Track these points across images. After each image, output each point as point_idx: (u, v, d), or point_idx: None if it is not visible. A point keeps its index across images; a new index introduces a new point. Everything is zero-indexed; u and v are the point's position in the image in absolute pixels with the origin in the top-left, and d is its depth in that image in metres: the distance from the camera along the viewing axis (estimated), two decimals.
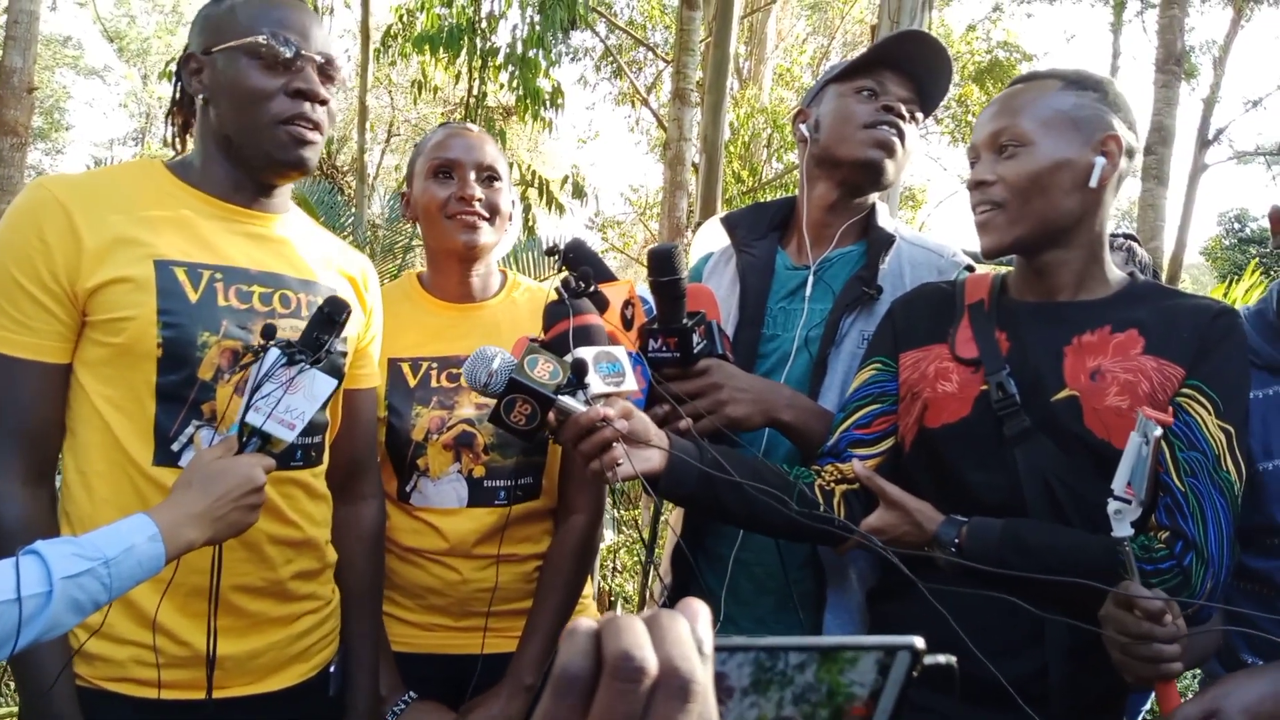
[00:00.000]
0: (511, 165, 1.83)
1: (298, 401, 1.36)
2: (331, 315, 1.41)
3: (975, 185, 1.53)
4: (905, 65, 1.84)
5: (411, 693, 1.80)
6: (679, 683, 0.43)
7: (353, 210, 8.21)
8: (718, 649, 0.47)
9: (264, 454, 1.36)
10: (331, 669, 1.70)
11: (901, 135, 1.83)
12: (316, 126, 1.53)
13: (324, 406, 1.61)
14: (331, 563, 1.69)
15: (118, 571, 1.14)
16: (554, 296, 1.54)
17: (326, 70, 1.54)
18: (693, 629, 0.45)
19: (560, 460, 1.93)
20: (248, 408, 1.34)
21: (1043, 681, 1.44)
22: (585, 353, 1.42)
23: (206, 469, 1.29)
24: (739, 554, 1.81)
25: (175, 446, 1.44)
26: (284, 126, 1.49)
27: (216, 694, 1.47)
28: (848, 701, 0.51)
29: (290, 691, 1.58)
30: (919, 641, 0.52)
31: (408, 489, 1.86)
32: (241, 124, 1.50)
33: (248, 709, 1.53)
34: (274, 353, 1.36)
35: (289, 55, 1.48)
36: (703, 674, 0.44)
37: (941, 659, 0.53)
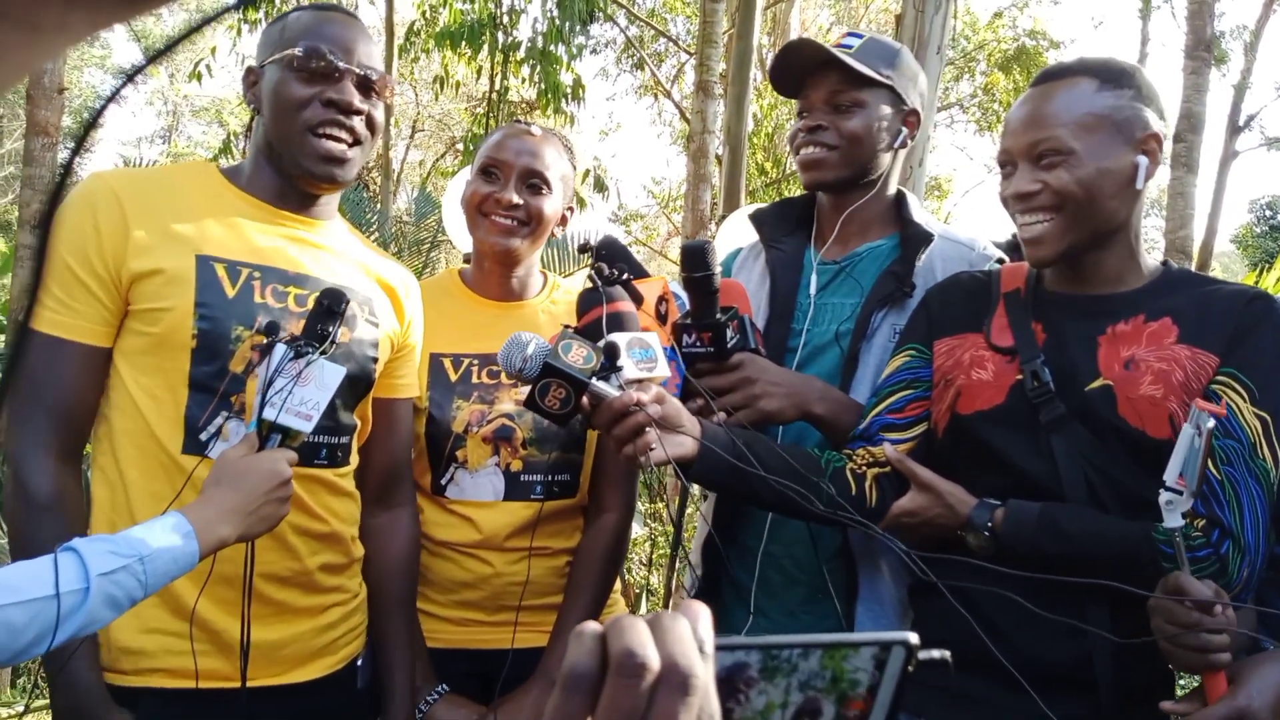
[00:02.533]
0: None
1: (310, 393, 1.39)
2: (330, 306, 1.44)
3: (1019, 197, 1.50)
4: (806, 77, 1.85)
5: (444, 685, 1.81)
6: (680, 678, 0.46)
7: (378, 206, 8.25)
8: (718, 648, 0.50)
9: (286, 448, 1.39)
10: (359, 662, 1.72)
11: (816, 143, 1.83)
12: (352, 136, 1.56)
13: (351, 407, 1.64)
14: (358, 558, 1.71)
15: (153, 568, 1.17)
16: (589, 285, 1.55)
17: (368, 83, 1.57)
18: (694, 629, 0.48)
19: (594, 458, 1.94)
20: (263, 404, 1.36)
21: (1089, 668, 1.43)
22: (618, 338, 1.43)
23: (233, 467, 1.32)
24: (767, 546, 1.82)
25: (203, 436, 1.48)
26: (313, 134, 1.53)
27: (252, 683, 1.50)
28: (851, 688, 0.53)
29: (317, 684, 1.61)
30: (913, 637, 0.53)
31: (443, 481, 1.88)
32: (279, 131, 1.56)
33: (276, 700, 1.55)
34: (280, 348, 1.39)
35: (327, 67, 1.53)
36: (703, 670, 0.47)
37: (936, 654, 0.54)
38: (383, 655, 1.74)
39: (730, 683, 0.52)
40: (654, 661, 0.46)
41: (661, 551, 6.59)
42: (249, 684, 1.49)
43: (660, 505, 7.27)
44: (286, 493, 1.36)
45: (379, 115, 1.59)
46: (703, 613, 0.49)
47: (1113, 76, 1.49)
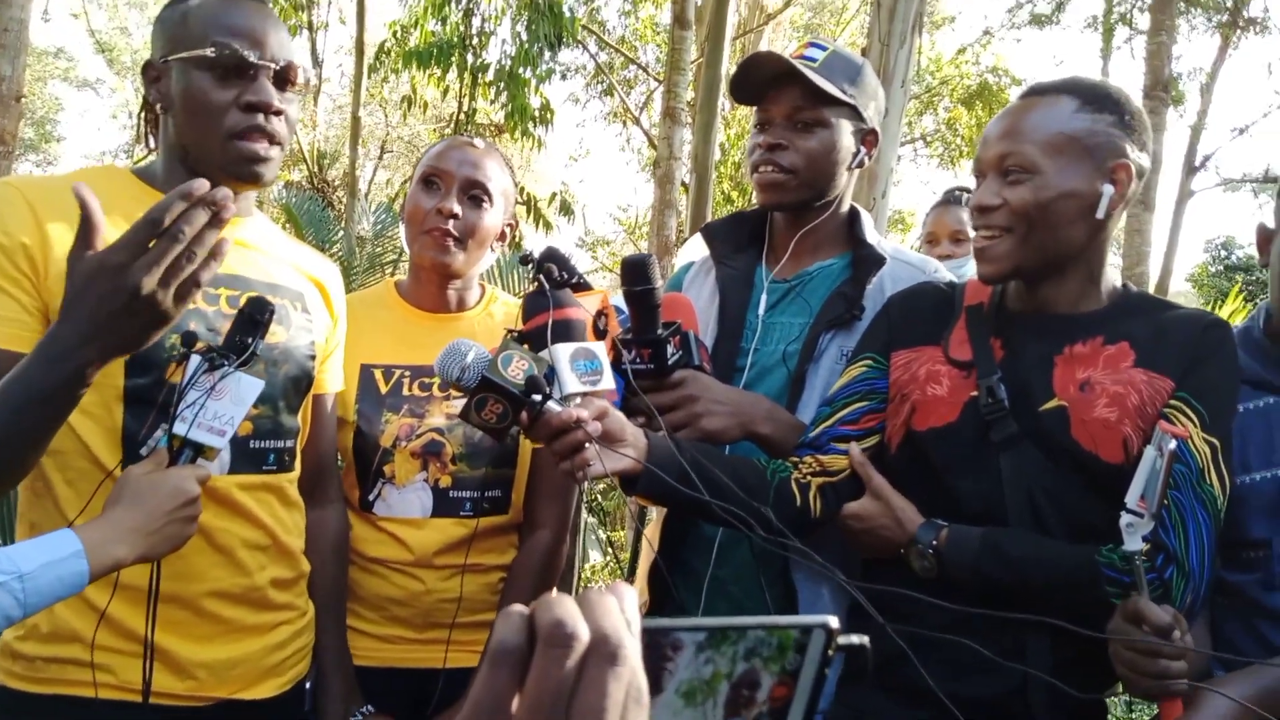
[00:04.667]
0: None
1: (224, 407, 1.34)
2: (253, 315, 1.38)
3: (978, 209, 1.48)
4: (766, 89, 1.82)
5: (369, 706, 1.76)
6: (609, 649, 0.46)
7: (342, 225, 8.19)
8: (644, 630, 0.50)
9: (198, 462, 1.33)
10: (307, 685, 1.68)
11: (774, 163, 1.79)
12: (271, 138, 1.48)
13: (294, 410, 1.60)
14: (305, 572, 1.67)
15: (33, 587, 1.11)
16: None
17: (284, 76, 1.48)
18: (620, 607, 0.48)
19: (528, 474, 1.90)
20: (174, 419, 1.31)
21: (1023, 698, 1.42)
22: (563, 350, 1.39)
23: (136, 484, 1.26)
24: (715, 571, 1.78)
25: (144, 451, 1.41)
26: (236, 141, 1.45)
27: (198, 702, 1.48)
28: (785, 667, 0.53)
29: (264, 704, 1.56)
30: (833, 620, 0.53)
31: (371, 497, 1.83)
32: (195, 137, 1.47)
33: (227, 715, 1.51)
34: (195, 359, 1.33)
35: (240, 66, 1.44)
36: (632, 643, 0.47)
37: (855, 639, 0.55)
38: (317, 660, 1.70)
39: (661, 653, 0.51)
40: (583, 632, 0.46)
41: (619, 576, 6.54)
42: (199, 700, 1.48)
43: (620, 533, 7.21)
44: (192, 512, 1.30)
45: (294, 110, 1.52)
46: (629, 592, 0.49)
47: (1095, 99, 1.46)
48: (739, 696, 0.53)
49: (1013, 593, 1.38)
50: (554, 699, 0.45)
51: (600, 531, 7.29)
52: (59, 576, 1.14)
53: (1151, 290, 10.68)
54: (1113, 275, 1.58)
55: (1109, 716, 1.49)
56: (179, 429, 1.31)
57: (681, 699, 0.52)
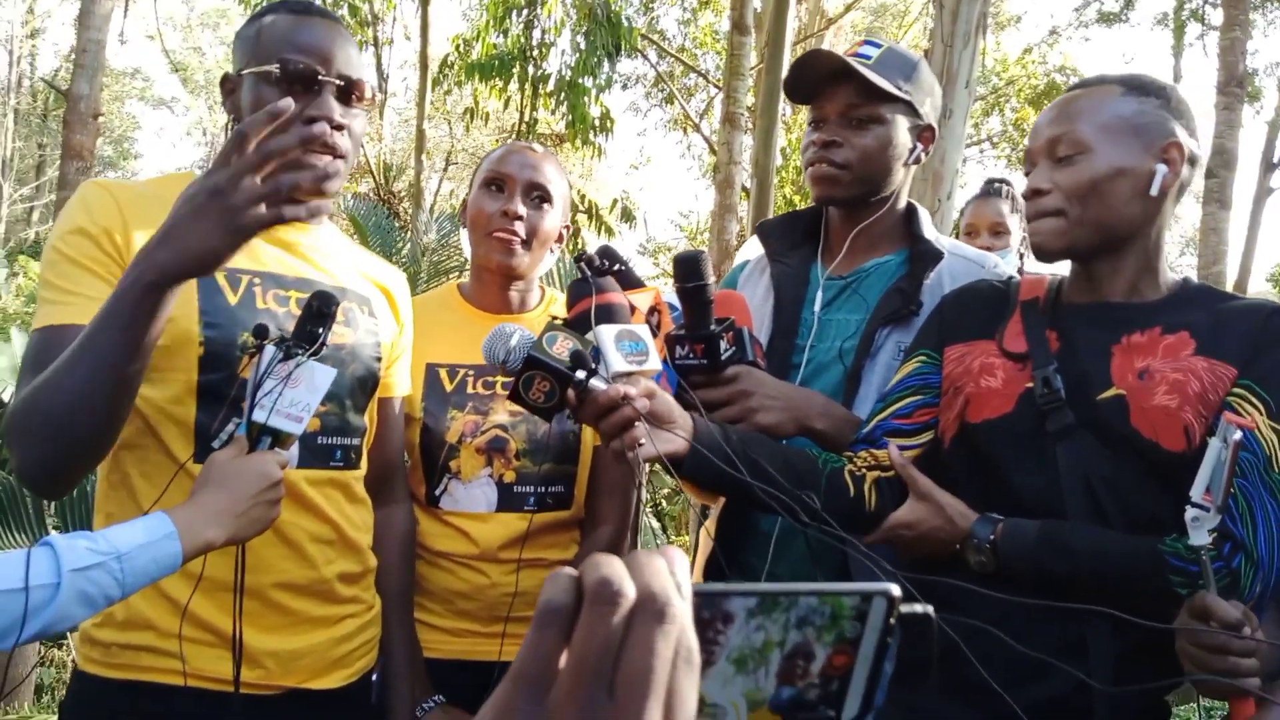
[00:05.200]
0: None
1: (300, 394, 1.38)
2: (320, 308, 1.42)
3: (1031, 194, 1.49)
4: (821, 87, 1.80)
5: (439, 696, 1.80)
6: (656, 606, 0.45)
7: (408, 235, 8.35)
8: (696, 593, 0.49)
9: (277, 450, 1.37)
10: (374, 677, 1.71)
11: (829, 160, 1.78)
12: (334, 151, 1.52)
13: (361, 409, 1.63)
14: (373, 568, 1.71)
15: (131, 567, 1.15)
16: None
17: (349, 92, 1.53)
18: (670, 569, 0.47)
19: (590, 470, 1.93)
20: (252, 406, 1.35)
21: (1085, 696, 1.38)
22: (607, 330, 1.41)
23: (222, 469, 1.31)
24: (772, 567, 1.78)
25: (216, 444, 1.46)
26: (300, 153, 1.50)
27: (267, 690, 1.51)
28: (840, 636, 0.52)
29: (332, 695, 1.60)
30: (894, 588, 0.52)
31: (437, 492, 1.88)
32: None
33: (290, 707, 1.54)
34: (269, 350, 1.37)
35: (305, 81, 1.48)
36: (680, 602, 0.45)
37: (919, 608, 0.53)
38: (383, 655, 1.74)
39: (711, 624, 0.51)
40: (629, 590, 0.45)
41: None
42: (263, 691, 1.50)
43: (684, 538, 7.20)
44: (277, 494, 1.34)
45: (360, 125, 1.56)
46: (679, 556, 0.48)
47: (1140, 85, 1.49)
48: (793, 667, 0.52)
49: (1072, 586, 1.35)
50: (600, 656, 0.44)
51: (663, 537, 7.29)
52: (154, 558, 1.18)
53: (1230, 289, 10.38)
54: (1174, 271, 1.56)
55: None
56: (258, 416, 1.35)
57: (733, 665, 0.51)
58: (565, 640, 0.45)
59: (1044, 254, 1.50)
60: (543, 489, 1.88)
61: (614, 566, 0.45)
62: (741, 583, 0.53)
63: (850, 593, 0.52)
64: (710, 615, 0.50)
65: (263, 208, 1.20)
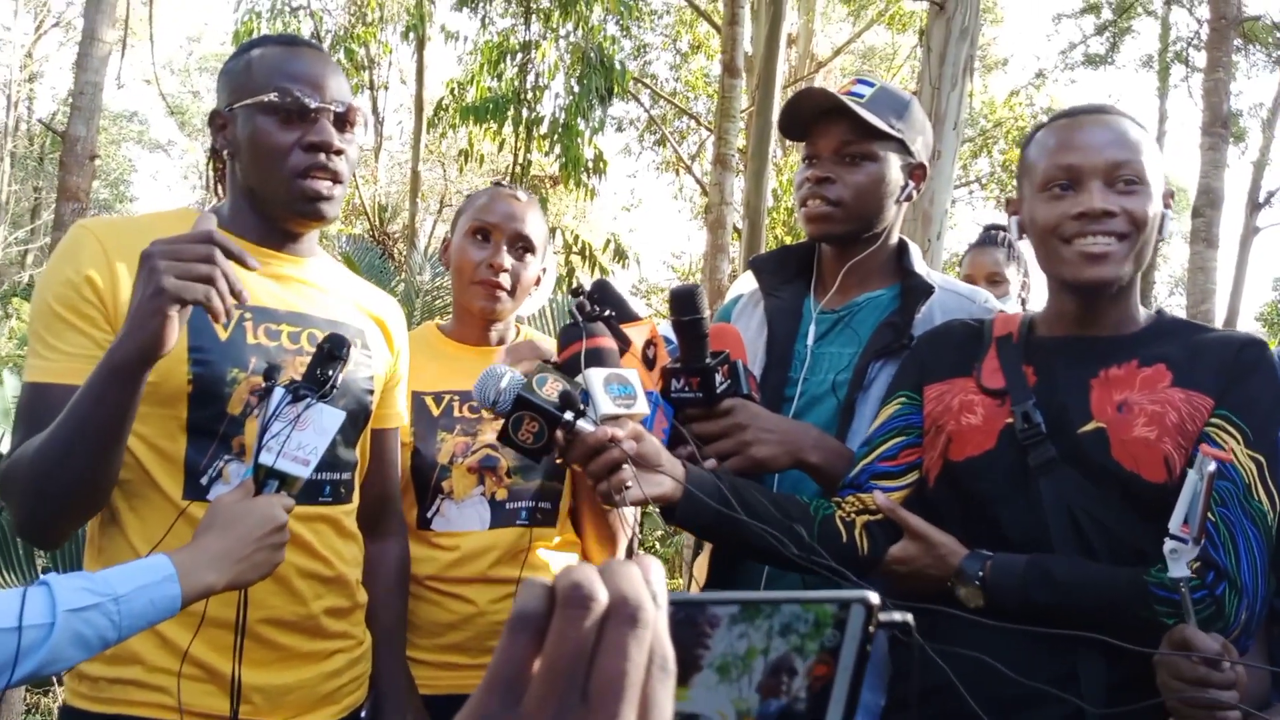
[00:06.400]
0: (554, 230, 1.97)
1: (308, 437, 1.38)
2: (332, 351, 1.43)
3: (1098, 214, 1.44)
4: (815, 124, 1.82)
5: None
6: (629, 611, 0.44)
7: (402, 276, 8.38)
8: (676, 602, 0.49)
9: (283, 494, 1.37)
10: (363, 714, 1.70)
11: (822, 196, 1.79)
12: (334, 176, 1.56)
13: (352, 443, 1.64)
14: (362, 603, 1.70)
15: (128, 609, 1.14)
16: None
17: (344, 119, 1.57)
18: (645, 577, 0.47)
19: (570, 497, 1.99)
20: (260, 449, 1.35)
21: None
22: (596, 374, 1.43)
23: (226, 512, 1.30)
24: None
25: (204, 480, 1.47)
26: (300, 180, 1.53)
27: None
28: (822, 646, 0.52)
29: None
30: (873, 595, 0.52)
31: (429, 514, 1.91)
32: (261, 177, 1.55)
33: None
34: (278, 392, 1.38)
35: (302, 109, 1.52)
36: (653, 607, 0.45)
37: (898, 616, 0.53)
38: (376, 694, 1.73)
39: (694, 628, 0.51)
40: (602, 594, 0.45)
41: None
42: None
43: (677, 581, 7.15)
44: (281, 539, 1.34)
45: (354, 151, 1.60)
46: (655, 565, 0.48)
47: (1143, 126, 1.53)
48: (776, 682, 0.52)
49: (1061, 618, 1.36)
50: (572, 661, 0.44)
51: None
52: (151, 600, 1.17)
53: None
54: (1145, 306, 1.59)
55: None
56: (265, 459, 1.35)
57: (716, 673, 0.51)
58: (538, 646, 0.45)
59: (1105, 283, 1.46)
60: (534, 504, 1.93)
61: (586, 572, 0.46)
62: (718, 592, 0.53)
63: (829, 600, 0.52)
64: (693, 623, 0.50)
65: (186, 283, 1.25)
